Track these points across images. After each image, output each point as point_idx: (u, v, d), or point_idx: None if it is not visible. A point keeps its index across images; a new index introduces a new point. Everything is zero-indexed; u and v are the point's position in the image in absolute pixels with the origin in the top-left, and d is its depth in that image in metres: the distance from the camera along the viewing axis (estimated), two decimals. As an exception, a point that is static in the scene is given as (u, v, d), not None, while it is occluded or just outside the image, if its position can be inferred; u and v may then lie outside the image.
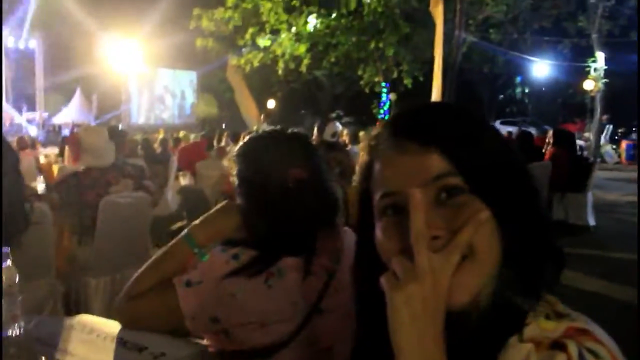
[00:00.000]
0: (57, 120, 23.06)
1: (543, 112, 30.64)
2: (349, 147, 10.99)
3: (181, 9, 19.15)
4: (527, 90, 34.81)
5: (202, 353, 1.19)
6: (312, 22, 16.66)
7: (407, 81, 18.36)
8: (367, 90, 20.20)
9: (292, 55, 17.89)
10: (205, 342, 1.29)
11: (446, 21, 13.56)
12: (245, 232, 1.36)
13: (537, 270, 0.71)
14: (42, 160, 8.44)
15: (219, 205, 1.44)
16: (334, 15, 17.30)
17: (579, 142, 16.42)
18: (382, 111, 20.93)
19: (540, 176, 6.51)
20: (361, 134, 14.27)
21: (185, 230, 1.39)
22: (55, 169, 7.11)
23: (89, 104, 23.52)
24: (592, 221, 7.38)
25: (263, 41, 17.68)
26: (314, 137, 5.50)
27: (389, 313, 0.66)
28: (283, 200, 1.33)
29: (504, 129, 15.30)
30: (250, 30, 18.15)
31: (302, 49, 17.48)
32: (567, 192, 7.22)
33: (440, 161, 0.69)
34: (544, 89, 32.76)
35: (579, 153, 13.18)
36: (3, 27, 19.88)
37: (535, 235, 0.72)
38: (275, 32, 17.71)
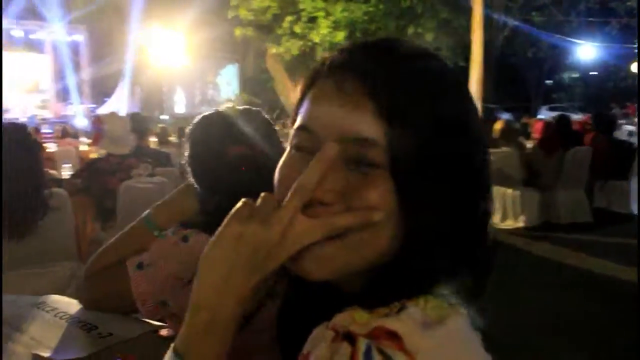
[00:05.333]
0: (102, 111, 23.67)
1: (593, 96, 29.56)
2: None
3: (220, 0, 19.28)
4: (575, 75, 33.61)
5: (151, 334, 1.17)
6: None
7: (448, 67, 18.01)
8: (407, 77, 19.92)
9: (330, 42, 17.81)
10: (158, 323, 1.28)
11: (486, 5, 13.22)
12: (201, 215, 1.34)
13: (424, 275, 0.59)
14: (86, 148, 8.68)
15: (179, 187, 1.43)
16: (371, 1, 17.14)
17: (629, 127, 15.76)
18: (423, 98, 20.62)
19: (580, 162, 6.32)
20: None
21: (147, 212, 1.38)
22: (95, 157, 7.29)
23: (133, 95, 24.04)
24: (636, 209, 7.10)
25: (300, 29, 17.67)
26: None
27: (210, 242, 0.58)
28: (225, 176, 1.30)
29: (551, 115, 14.81)
30: (288, 18, 18.16)
31: (340, 36, 17.36)
32: (609, 179, 6.96)
33: (373, 124, 0.56)
34: (593, 72, 31.55)
35: (628, 138, 12.64)
36: (51, 20, 20.53)
37: (445, 241, 0.60)
38: (312, 19, 17.66)
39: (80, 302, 1.34)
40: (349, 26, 17.61)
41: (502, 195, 6.36)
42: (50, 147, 9.32)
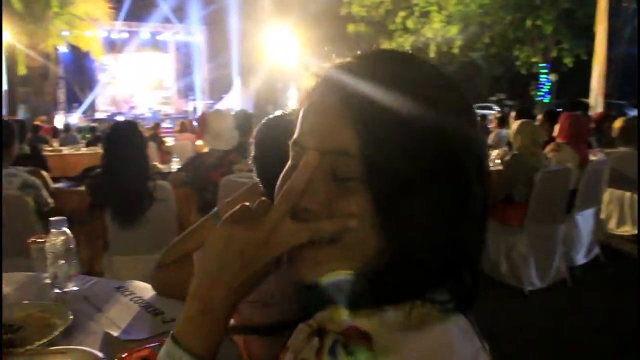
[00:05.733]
0: (218, 107, 24.89)
1: None
2: (496, 130, 10.29)
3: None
4: None
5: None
6: None
7: (568, 60, 16.98)
8: (524, 72, 19.03)
9: (443, 37, 17.46)
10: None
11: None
12: None
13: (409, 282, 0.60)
14: (201, 143, 9.17)
15: (246, 185, 1.48)
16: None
17: None
18: (541, 93, 19.64)
19: None
20: (512, 114, 13.33)
21: (216, 208, 1.46)
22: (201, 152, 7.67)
23: (248, 92, 25.03)
24: None
25: (413, 24, 17.50)
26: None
27: (206, 241, 0.64)
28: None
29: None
30: (401, 13, 18.03)
31: (453, 30, 16.97)
32: None
33: (350, 136, 0.58)
34: None
35: None
36: (174, 21, 21.87)
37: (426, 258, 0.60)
38: (425, 14, 17.41)
39: (153, 288, 1.45)
40: (462, 20, 17.15)
41: (619, 199, 5.92)
42: (169, 141, 9.95)
